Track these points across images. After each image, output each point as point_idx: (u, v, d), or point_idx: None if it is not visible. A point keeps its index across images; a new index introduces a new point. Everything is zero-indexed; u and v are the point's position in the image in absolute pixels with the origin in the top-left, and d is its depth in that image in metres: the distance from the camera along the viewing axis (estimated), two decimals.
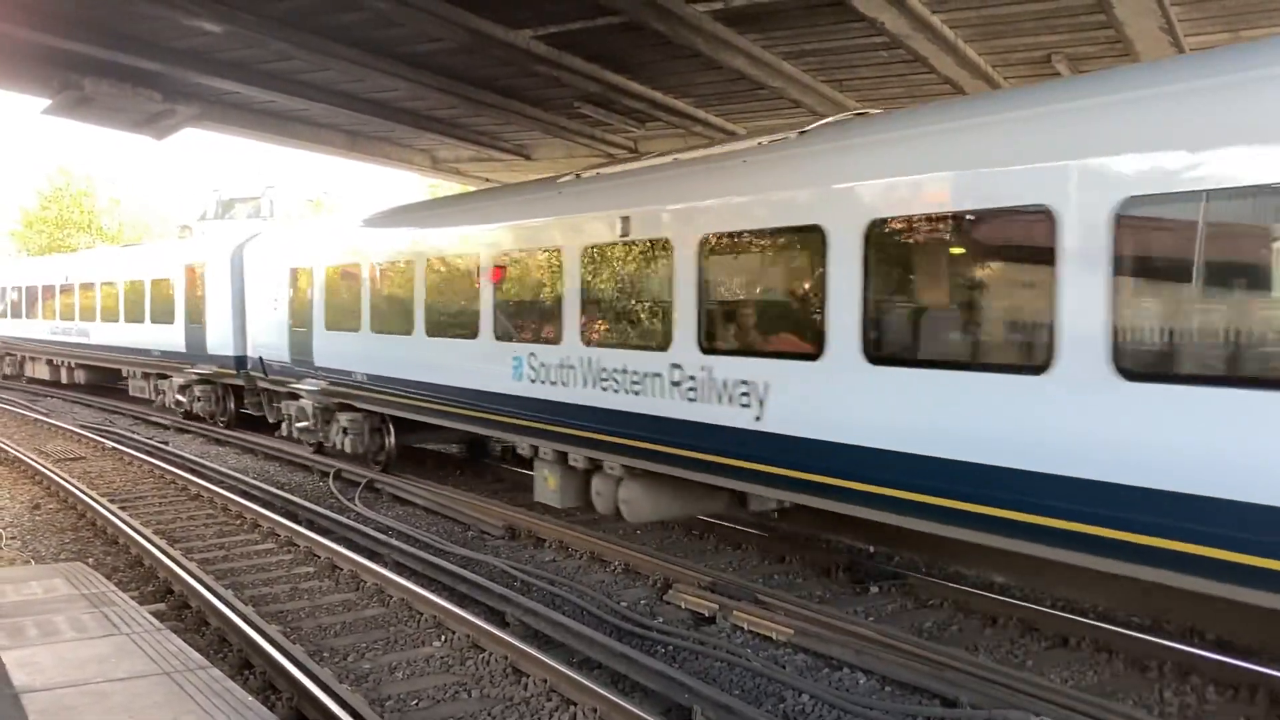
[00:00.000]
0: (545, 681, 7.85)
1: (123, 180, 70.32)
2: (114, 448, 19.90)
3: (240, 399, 22.39)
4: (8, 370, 37.05)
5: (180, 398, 24.05)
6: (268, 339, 19.57)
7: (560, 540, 12.51)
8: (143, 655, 7.05)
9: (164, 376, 25.16)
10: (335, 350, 17.02)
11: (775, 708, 7.53)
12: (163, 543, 12.02)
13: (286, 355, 18.75)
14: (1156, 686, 7.84)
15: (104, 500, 14.44)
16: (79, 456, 19.46)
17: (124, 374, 28.24)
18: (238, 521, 13.88)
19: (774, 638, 8.97)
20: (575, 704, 7.47)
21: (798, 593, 10.29)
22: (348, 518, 13.71)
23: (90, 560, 11.56)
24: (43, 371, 33.46)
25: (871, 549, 11.71)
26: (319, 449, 18.53)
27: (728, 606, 9.60)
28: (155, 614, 8.69)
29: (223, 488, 15.62)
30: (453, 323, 14.02)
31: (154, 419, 25.24)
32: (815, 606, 9.65)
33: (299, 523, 13.27)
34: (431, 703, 7.72)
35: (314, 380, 17.72)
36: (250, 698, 6.48)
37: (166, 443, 21.07)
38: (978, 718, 7.24)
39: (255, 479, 16.66)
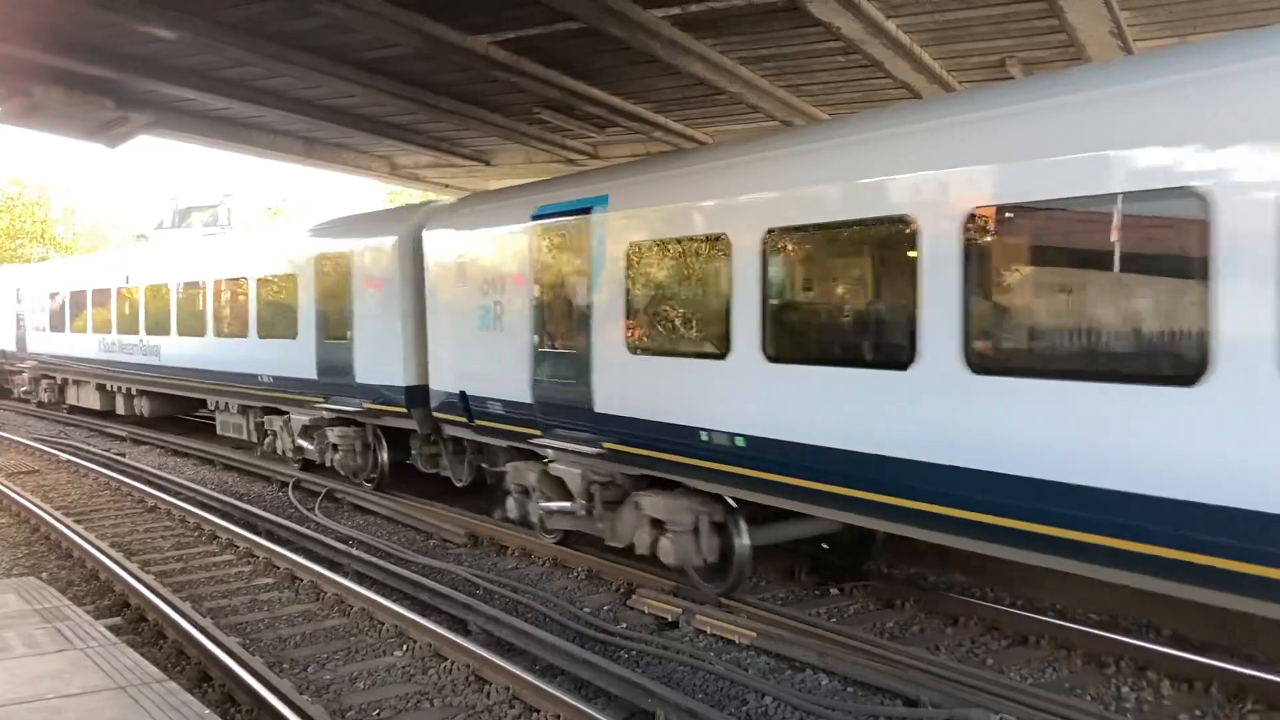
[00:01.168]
0: (508, 689, 7.83)
1: (77, 189, 69.27)
2: (68, 460, 19.59)
3: (402, 448, 15.76)
4: (45, 397, 29.95)
5: (303, 443, 17.34)
6: (479, 364, 12.93)
7: (523, 548, 12.47)
8: (97, 670, 6.95)
9: (276, 412, 18.43)
10: (654, 389, 10.17)
11: (738, 710, 7.55)
12: (119, 555, 11.86)
13: (524, 391, 11.97)
14: (1114, 682, 7.95)
15: (58, 514, 14.22)
16: (32, 470, 19.13)
17: (211, 406, 21.26)
18: (196, 533, 13.71)
19: (737, 641, 8.99)
20: (538, 711, 7.45)
21: (760, 595, 10.32)
22: (308, 528, 13.59)
23: (44, 575, 11.38)
24: (91, 399, 26.61)
25: (825, 545, 11.74)
26: (562, 539, 12.17)
27: (691, 610, 9.61)
28: (111, 628, 8.59)
29: (180, 499, 15.44)
30: (1098, 352, 6.86)
31: (110, 430, 24.84)
32: (778, 609, 9.71)
33: (258, 534, 13.14)
34: (393, 712, 7.67)
35: (585, 434, 11.05)
36: (208, 710, 6.42)
37: (123, 454, 20.78)
38: (939, 717, 7.30)
39: (213, 490, 16.47)
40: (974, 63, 14.78)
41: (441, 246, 13.84)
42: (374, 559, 11.72)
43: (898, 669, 8.05)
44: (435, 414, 14.10)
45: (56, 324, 28.49)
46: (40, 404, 30.20)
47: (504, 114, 19.03)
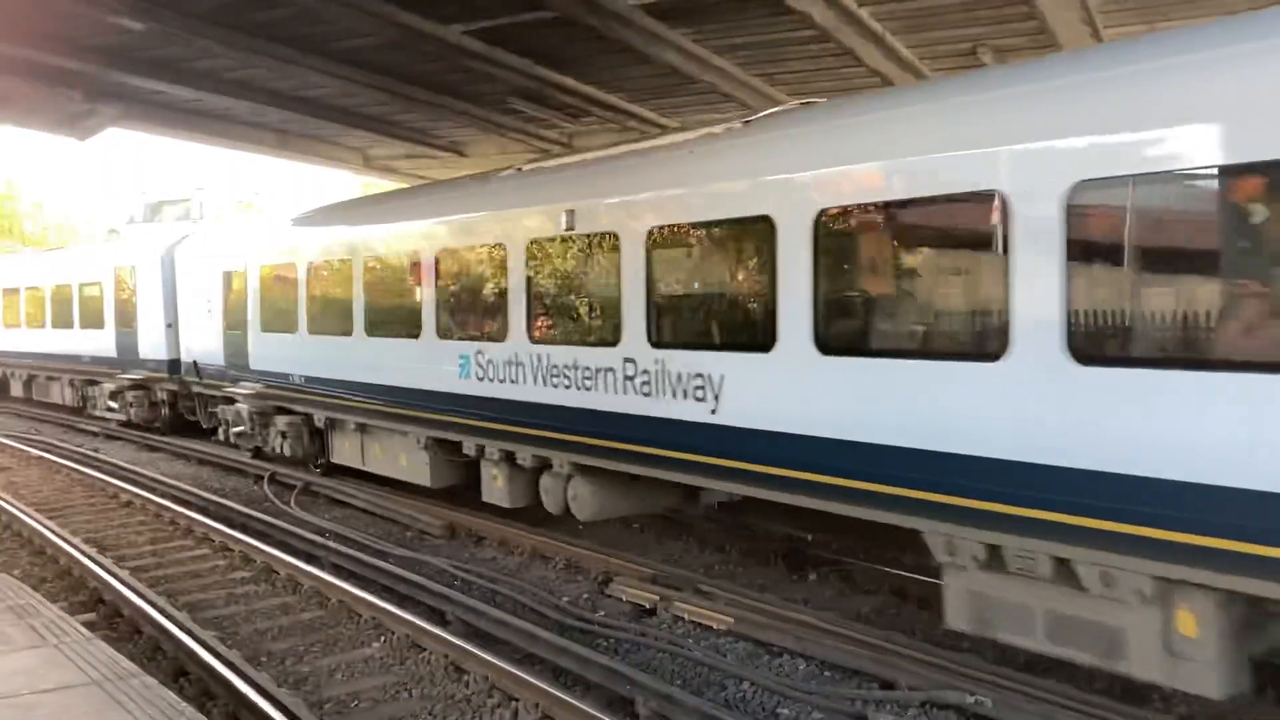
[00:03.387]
0: (486, 678, 7.83)
1: (47, 183, 68.58)
2: (41, 456, 19.41)
3: None
4: (287, 447, 16.75)
5: None
6: None
7: (501, 538, 12.46)
8: (72, 666, 6.90)
9: None
10: None
11: (717, 696, 7.58)
12: (93, 551, 11.77)
13: None
14: None
15: (30, 510, 14.09)
16: (3, 466, 18.95)
17: (945, 555, 7.59)
18: (171, 528, 13.63)
19: (714, 627, 9.02)
20: (517, 700, 7.46)
21: (738, 582, 10.36)
22: (284, 521, 13.52)
23: (16, 572, 11.27)
24: (403, 465, 14.11)
25: (809, 537, 11.82)
26: None
27: (669, 598, 9.64)
28: (86, 624, 8.52)
29: (155, 494, 15.32)
30: None
31: (84, 426, 24.54)
32: (755, 595, 9.73)
33: (234, 527, 13.06)
34: (372, 703, 7.67)
35: None
36: (185, 704, 6.39)
37: (96, 450, 20.60)
38: (915, 699, 7.36)
39: (189, 484, 16.35)
40: (945, 50, 14.88)
41: None
42: (351, 551, 11.68)
43: (874, 652, 8.10)
44: None
45: (324, 319, 15.57)
46: (257, 452, 18.14)
47: (478, 104, 19.00)
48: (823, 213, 8.10)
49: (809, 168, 8.37)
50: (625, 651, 8.56)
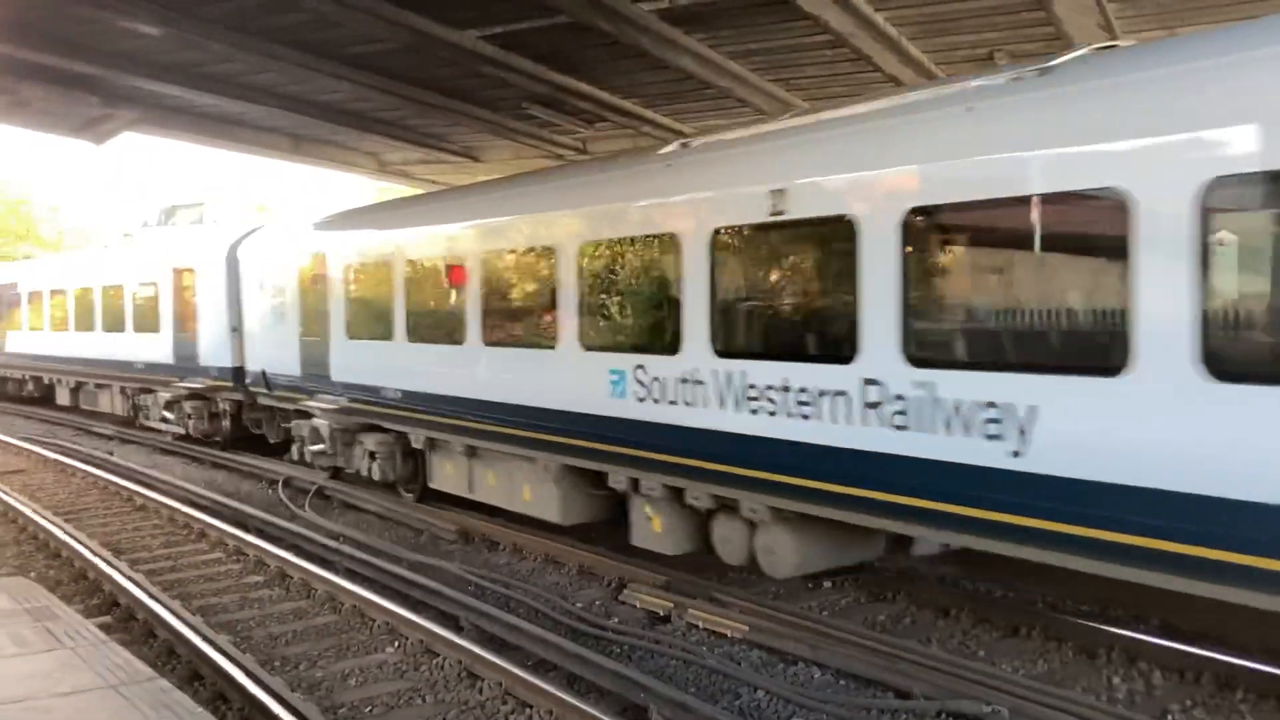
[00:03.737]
0: (500, 685, 7.81)
1: (63, 187, 69.00)
2: (56, 459, 19.48)
3: None
4: (372, 468, 14.69)
5: None
6: None
7: (514, 543, 12.44)
8: (88, 669, 6.91)
9: None
10: None
11: (731, 704, 7.54)
12: (108, 554, 11.79)
13: None
14: (1105, 673, 7.96)
15: (46, 513, 14.13)
16: (19, 469, 19.01)
17: None
18: (185, 531, 13.65)
19: (729, 635, 8.98)
20: (531, 706, 7.44)
21: (752, 589, 10.31)
22: (298, 525, 13.54)
23: (33, 575, 11.31)
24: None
25: None
26: None
27: (683, 605, 9.60)
28: (101, 627, 8.54)
29: (170, 498, 15.34)
30: None
31: (98, 430, 24.64)
32: (769, 602, 9.69)
33: (248, 531, 13.08)
34: (385, 709, 7.65)
35: None
36: (199, 708, 6.40)
37: (111, 453, 20.66)
38: (930, 709, 7.31)
39: (203, 488, 16.39)
40: (962, 55, 14.83)
41: None
42: (365, 556, 11.68)
43: (890, 661, 8.06)
44: None
45: (428, 325, 13.58)
46: (336, 473, 16.19)
47: (492, 109, 19.03)
48: (1217, 182, 5.91)
49: (1190, 126, 6.07)
50: (639, 658, 8.53)
